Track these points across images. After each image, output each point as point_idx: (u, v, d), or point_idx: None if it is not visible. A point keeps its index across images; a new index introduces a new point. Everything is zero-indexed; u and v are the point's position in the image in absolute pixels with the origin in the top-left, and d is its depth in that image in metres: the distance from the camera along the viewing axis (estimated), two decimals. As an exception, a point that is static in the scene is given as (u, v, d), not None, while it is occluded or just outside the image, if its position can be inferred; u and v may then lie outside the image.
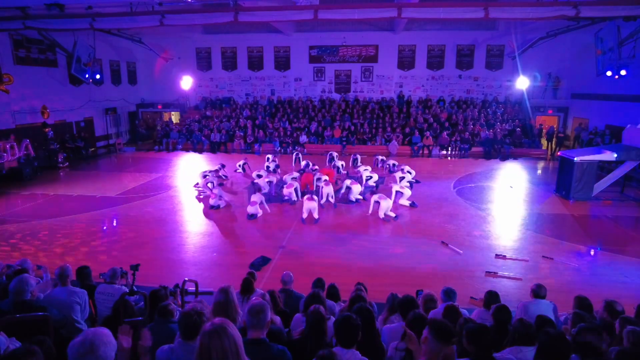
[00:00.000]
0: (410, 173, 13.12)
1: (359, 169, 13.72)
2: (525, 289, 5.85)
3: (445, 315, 3.56)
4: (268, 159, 15.40)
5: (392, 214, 10.34)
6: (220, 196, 11.24)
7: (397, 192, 11.36)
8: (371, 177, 12.82)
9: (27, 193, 13.08)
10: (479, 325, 2.92)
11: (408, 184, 12.18)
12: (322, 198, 11.31)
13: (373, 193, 10.87)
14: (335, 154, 16.07)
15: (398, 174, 12.73)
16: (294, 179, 12.39)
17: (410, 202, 11.40)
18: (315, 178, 12.50)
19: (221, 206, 11.16)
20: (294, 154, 17.30)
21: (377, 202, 10.36)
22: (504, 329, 3.38)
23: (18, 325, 3.05)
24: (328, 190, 11.35)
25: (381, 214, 10.26)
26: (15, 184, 13.93)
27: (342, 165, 15.05)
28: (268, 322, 2.59)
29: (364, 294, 4.56)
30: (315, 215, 10.25)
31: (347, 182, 12.03)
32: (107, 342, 1.87)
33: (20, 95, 16.39)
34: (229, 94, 25.20)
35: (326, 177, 12.14)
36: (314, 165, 13.99)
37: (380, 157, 16.16)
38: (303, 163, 14.73)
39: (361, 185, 12.25)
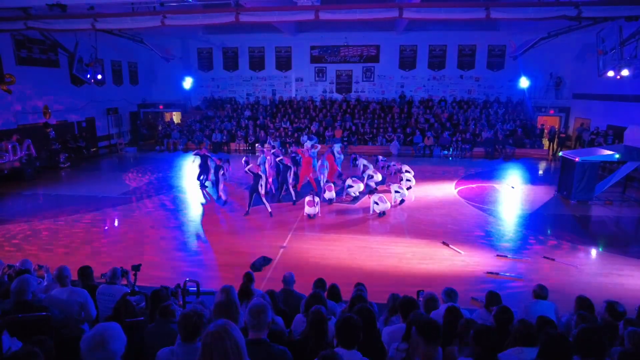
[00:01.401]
0: (409, 172, 13.12)
1: (361, 163, 13.78)
2: (527, 290, 5.84)
3: (447, 316, 3.56)
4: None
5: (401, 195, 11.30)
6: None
7: (395, 191, 11.45)
8: (372, 177, 12.81)
9: (28, 193, 13.11)
10: (486, 326, 2.92)
11: (407, 186, 12.24)
12: (322, 198, 11.45)
13: (372, 193, 10.96)
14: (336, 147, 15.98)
15: (405, 176, 12.74)
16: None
17: (401, 198, 11.52)
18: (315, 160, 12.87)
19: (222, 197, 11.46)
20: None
21: (376, 203, 10.45)
22: (505, 330, 3.37)
23: (20, 325, 3.06)
24: (330, 195, 11.52)
25: (377, 210, 10.50)
26: (17, 184, 13.96)
27: (338, 152, 14.52)
28: (269, 323, 2.60)
29: (364, 294, 4.56)
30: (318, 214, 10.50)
31: (349, 180, 12.13)
32: (116, 337, 1.92)
33: (22, 96, 16.43)
34: (230, 94, 25.21)
35: (330, 183, 12.17)
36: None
37: (380, 157, 16.16)
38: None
39: (363, 184, 12.34)
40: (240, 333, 1.94)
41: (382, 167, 15.50)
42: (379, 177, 12.93)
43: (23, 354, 2.23)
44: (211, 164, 12.36)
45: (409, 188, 12.23)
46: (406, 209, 11.21)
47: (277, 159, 12.18)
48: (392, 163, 14.97)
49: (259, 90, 25.05)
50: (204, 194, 12.80)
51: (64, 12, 12.69)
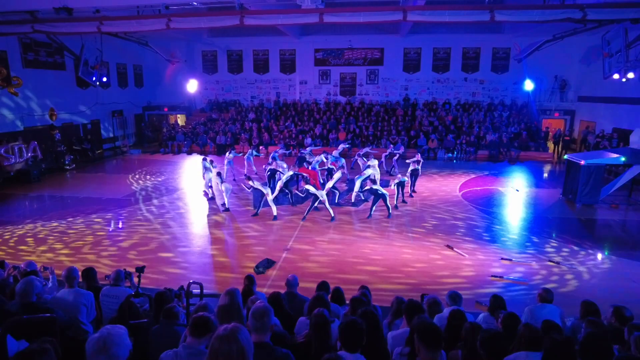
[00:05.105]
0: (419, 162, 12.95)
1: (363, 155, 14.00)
2: (532, 293, 5.80)
3: (451, 320, 3.54)
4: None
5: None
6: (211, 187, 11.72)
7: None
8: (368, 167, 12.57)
9: (34, 194, 13.20)
10: (494, 332, 2.90)
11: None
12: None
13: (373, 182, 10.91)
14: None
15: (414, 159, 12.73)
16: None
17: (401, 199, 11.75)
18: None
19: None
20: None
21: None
22: (512, 335, 3.35)
23: (25, 327, 3.07)
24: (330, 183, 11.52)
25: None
26: (23, 186, 14.08)
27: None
28: (271, 326, 2.59)
29: (368, 297, 4.55)
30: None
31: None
32: (119, 343, 1.93)
33: (28, 98, 16.59)
34: (235, 97, 25.32)
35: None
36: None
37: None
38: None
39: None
40: (249, 338, 1.94)
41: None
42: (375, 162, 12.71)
43: (35, 351, 2.24)
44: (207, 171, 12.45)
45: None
46: (410, 212, 11.19)
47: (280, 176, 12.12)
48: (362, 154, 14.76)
49: (263, 93, 25.13)
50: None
51: (70, 15, 12.83)
